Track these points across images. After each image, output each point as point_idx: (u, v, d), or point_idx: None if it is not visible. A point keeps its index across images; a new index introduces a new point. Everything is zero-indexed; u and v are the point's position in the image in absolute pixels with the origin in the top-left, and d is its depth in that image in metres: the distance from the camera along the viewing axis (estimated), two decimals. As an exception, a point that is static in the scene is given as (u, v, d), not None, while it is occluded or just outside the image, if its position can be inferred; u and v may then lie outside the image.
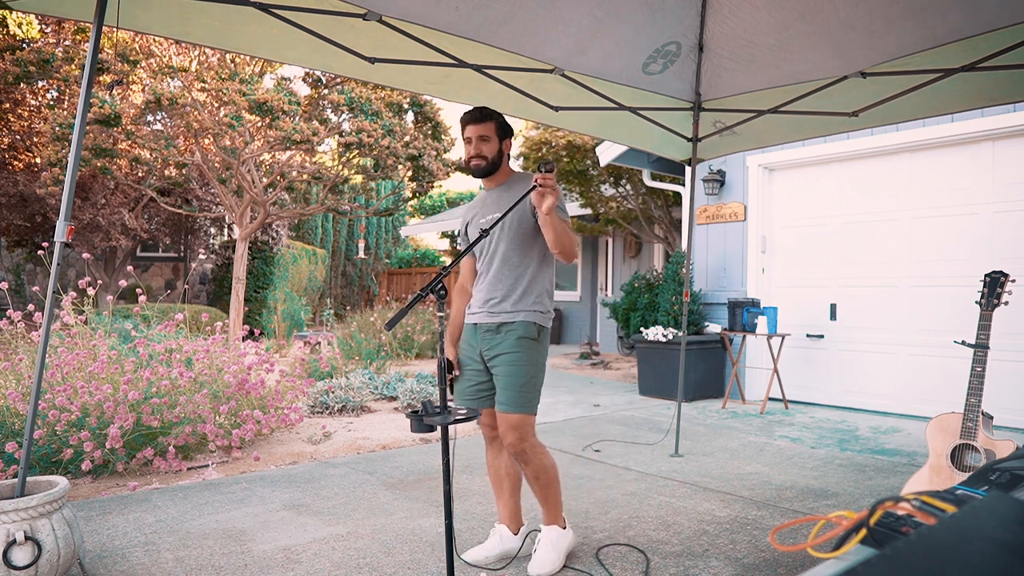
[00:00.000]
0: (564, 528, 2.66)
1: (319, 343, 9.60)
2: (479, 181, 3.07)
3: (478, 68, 3.33)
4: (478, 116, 2.57)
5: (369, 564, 2.61)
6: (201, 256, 15.08)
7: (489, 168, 2.60)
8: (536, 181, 2.26)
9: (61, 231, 2.22)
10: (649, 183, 8.71)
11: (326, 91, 10.11)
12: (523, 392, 2.49)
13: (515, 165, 13.07)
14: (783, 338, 6.16)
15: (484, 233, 2.23)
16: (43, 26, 10.69)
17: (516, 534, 2.72)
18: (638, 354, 7.19)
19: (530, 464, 2.54)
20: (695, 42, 3.59)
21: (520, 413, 2.48)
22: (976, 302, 2.85)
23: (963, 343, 2.92)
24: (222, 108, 9.04)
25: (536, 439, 2.56)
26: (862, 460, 4.32)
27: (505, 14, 2.98)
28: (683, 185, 8.48)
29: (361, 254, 18.80)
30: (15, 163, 11.56)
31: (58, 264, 2.25)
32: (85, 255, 5.21)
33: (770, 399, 6.28)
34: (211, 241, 15.22)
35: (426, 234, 21.79)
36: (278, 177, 10.69)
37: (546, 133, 9.24)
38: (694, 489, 3.66)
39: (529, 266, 2.61)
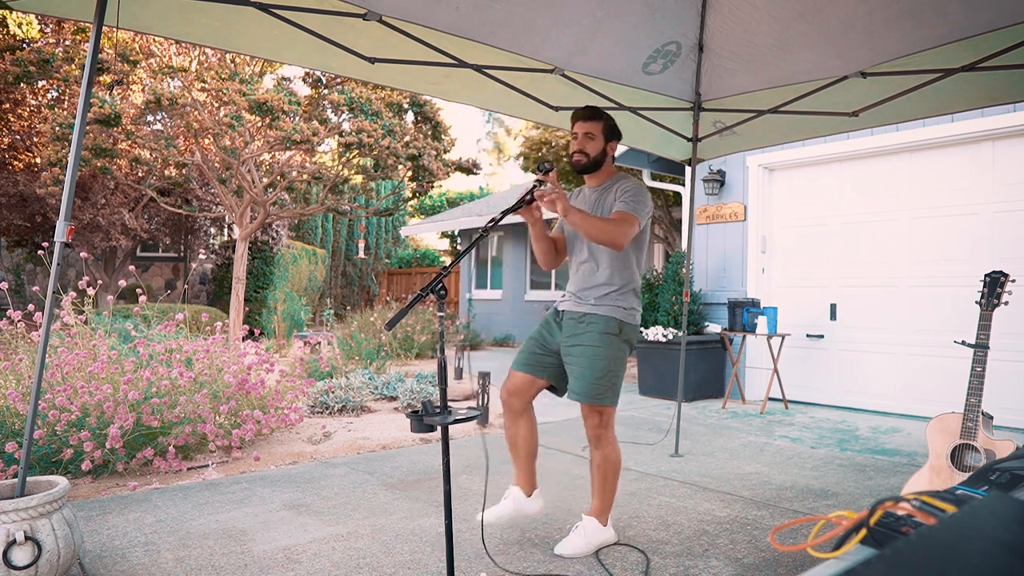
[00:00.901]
0: (605, 525, 2.74)
1: (319, 343, 9.60)
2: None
3: (478, 68, 3.33)
4: (588, 114, 2.70)
5: (369, 564, 2.61)
6: (201, 256, 15.08)
7: (589, 165, 2.71)
8: (531, 196, 2.45)
9: (61, 231, 2.22)
10: (649, 183, 8.71)
11: (326, 91, 10.11)
12: (597, 384, 2.58)
13: (515, 165, 12.99)
14: (783, 338, 6.16)
15: (484, 233, 2.25)
16: (43, 26, 10.69)
17: (529, 496, 2.80)
18: (638, 354, 7.19)
19: (600, 450, 2.68)
20: (695, 42, 3.59)
21: (595, 405, 2.60)
22: (976, 302, 2.85)
23: (963, 343, 2.92)
24: (222, 108, 9.04)
25: (614, 431, 2.70)
26: (862, 460, 4.32)
27: (505, 14, 2.98)
28: (683, 185, 8.48)
29: (361, 254, 18.80)
30: (15, 163, 11.56)
31: (58, 264, 2.25)
32: (85, 255, 5.21)
33: (770, 399, 6.28)
34: (211, 241, 15.23)
35: (426, 234, 21.80)
36: (278, 177, 10.69)
37: (546, 133, 9.24)
38: (694, 489, 3.66)
39: (612, 263, 2.68)
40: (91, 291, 4.70)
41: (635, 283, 2.73)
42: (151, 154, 10.02)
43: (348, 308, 17.53)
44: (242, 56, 9.31)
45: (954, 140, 5.57)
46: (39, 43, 10.28)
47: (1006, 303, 2.82)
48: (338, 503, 3.37)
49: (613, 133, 2.73)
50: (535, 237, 2.75)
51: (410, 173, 11.07)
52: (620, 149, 7.89)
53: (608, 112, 2.79)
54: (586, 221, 2.50)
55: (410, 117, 10.99)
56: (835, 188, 6.37)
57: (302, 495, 3.50)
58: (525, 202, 2.50)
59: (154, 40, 9.26)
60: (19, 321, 4.11)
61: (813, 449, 4.61)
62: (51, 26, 10.72)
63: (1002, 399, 4.95)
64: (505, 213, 2.42)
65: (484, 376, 5.46)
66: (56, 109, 10.11)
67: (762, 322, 6.10)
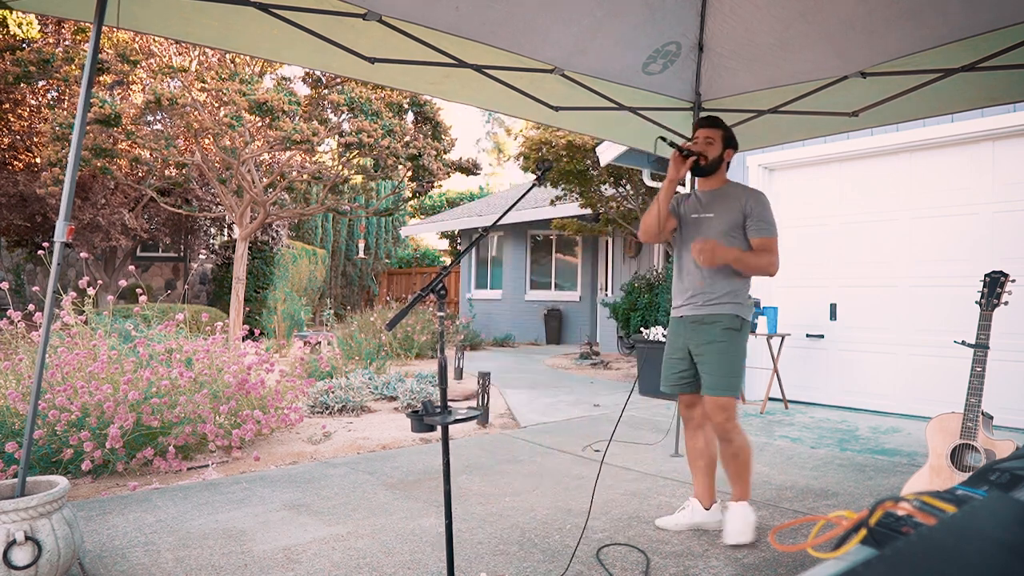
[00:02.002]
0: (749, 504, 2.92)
1: (319, 343, 9.60)
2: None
3: (478, 68, 3.33)
4: (710, 122, 2.92)
5: (369, 564, 2.61)
6: (201, 256, 15.08)
7: (706, 168, 2.88)
8: (689, 152, 2.76)
9: (61, 231, 2.22)
10: (649, 183, 8.71)
11: (326, 91, 10.11)
12: (727, 377, 2.78)
13: (515, 165, 13.04)
14: (783, 338, 6.16)
15: (484, 233, 2.26)
16: (43, 26, 10.69)
17: (708, 509, 2.96)
18: (638, 354, 7.19)
19: (732, 442, 2.82)
20: (695, 42, 3.59)
21: (726, 396, 2.78)
22: (976, 302, 2.85)
23: (963, 343, 2.92)
24: (222, 108, 9.04)
25: (738, 422, 2.85)
26: (862, 460, 4.32)
27: (505, 14, 2.98)
28: (683, 185, 8.47)
29: (361, 254, 18.81)
30: (15, 163, 11.56)
31: (58, 264, 2.25)
32: (85, 255, 5.21)
33: (770, 399, 6.28)
34: (211, 241, 15.23)
35: (426, 234, 21.80)
36: (278, 177, 10.69)
37: (546, 133, 9.22)
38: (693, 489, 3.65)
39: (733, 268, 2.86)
40: (91, 291, 4.70)
41: (748, 281, 2.92)
42: (151, 154, 10.02)
43: (348, 308, 17.54)
44: (242, 56, 9.31)
45: (954, 140, 5.57)
46: (39, 43, 10.28)
47: (1006, 303, 2.82)
48: (338, 503, 3.37)
49: (730, 142, 2.92)
50: (665, 198, 2.83)
51: (410, 173, 11.07)
52: (620, 149, 7.94)
53: (609, 111, 2.84)
54: (740, 260, 2.77)
55: (410, 117, 10.99)
56: (835, 188, 6.37)
57: (302, 495, 3.50)
58: (688, 153, 2.75)
59: (154, 40, 9.26)
60: (19, 321, 4.11)
61: (813, 449, 4.61)
62: (51, 26, 10.72)
63: (1002, 399, 4.95)
64: (675, 149, 2.71)
65: (484, 376, 5.45)
66: (56, 109, 10.10)
67: (762, 322, 6.10)
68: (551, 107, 3.80)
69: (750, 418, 5.77)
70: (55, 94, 11.38)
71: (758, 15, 3.24)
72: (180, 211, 11.55)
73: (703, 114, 3.80)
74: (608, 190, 10.14)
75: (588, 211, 10.59)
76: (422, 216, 22.71)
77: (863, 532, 0.58)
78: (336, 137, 10.23)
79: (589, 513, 3.03)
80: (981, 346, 2.76)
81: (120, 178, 10.11)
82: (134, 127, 9.14)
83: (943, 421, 2.77)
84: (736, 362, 2.81)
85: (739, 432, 2.84)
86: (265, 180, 10.44)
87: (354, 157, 10.11)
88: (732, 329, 2.80)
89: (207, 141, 10.01)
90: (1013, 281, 2.86)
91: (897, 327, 5.91)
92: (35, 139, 11.33)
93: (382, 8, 2.76)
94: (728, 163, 2.94)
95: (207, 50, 9.62)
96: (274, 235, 13.70)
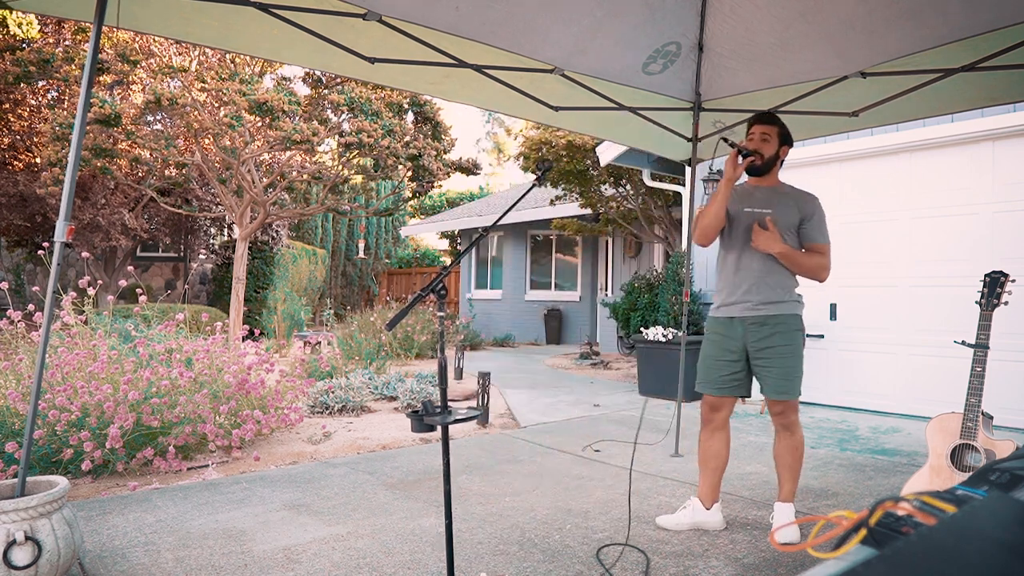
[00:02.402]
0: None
1: (319, 343, 9.60)
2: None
3: (478, 68, 3.33)
4: (767, 118, 2.86)
5: (369, 564, 2.61)
6: (201, 256, 15.08)
7: (763, 167, 2.81)
8: (748, 151, 2.71)
9: (61, 231, 2.22)
10: (649, 183, 8.71)
11: (326, 91, 10.10)
12: (797, 379, 2.79)
13: (515, 165, 13.04)
14: (783, 338, 6.15)
15: (484, 233, 2.25)
16: (43, 26, 10.69)
17: (709, 509, 2.95)
18: (638, 354, 7.19)
19: (795, 435, 2.85)
20: (695, 42, 3.59)
21: (794, 399, 2.80)
22: (976, 302, 2.85)
23: (963, 343, 2.92)
24: (222, 108, 9.04)
25: (798, 415, 2.90)
26: (862, 460, 4.32)
27: (505, 14, 2.98)
28: (683, 185, 8.48)
29: (361, 254, 18.81)
30: (15, 163, 11.56)
31: (58, 264, 2.25)
32: (85, 255, 5.21)
33: (770, 399, 6.27)
34: (211, 241, 15.23)
35: (426, 234, 21.81)
36: (278, 177, 10.69)
37: (546, 133, 9.22)
38: (694, 489, 3.65)
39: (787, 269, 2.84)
40: (91, 291, 4.70)
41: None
42: (151, 154, 10.01)
43: (348, 308, 17.54)
44: (242, 56, 9.31)
45: (954, 140, 5.57)
46: (39, 43, 10.28)
47: (1006, 303, 2.82)
48: (338, 503, 3.37)
49: (787, 139, 2.86)
50: (723, 199, 2.74)
51: (410, 173, 11.07)
52: (620, 149, 7.94)
53: (609, 111, 2.83)
54: (793, 257, 2.74)
55: (410, 117, 10.98)
56: (835, 188, 6.37)
57: (302, 495, 3.50)
58: (746, 153, 2.71)
59: (154, 40, 9.26)
60: (19, 321, 4.11)
61: (813, 449, 4.61)
62: (51, 26, 10.72)
63: (1002, 399, 4.95)
64: (740, 151, 2.66)
65: (484, 376, 5.45)
66: (56, 109, 10.10)
67: (762, 322, 6.09)
68: (551, 107, 3.80)
69: (750, 418, 5.77)
70: (55, 94, 11.38)
71: (758, 15, 3.24)
72: (180, 211, 11.55)
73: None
74: (608, 190, 10.14)
75: (588, 211, 10.59)
76: (422, 216, 22.72)
77: (863, 532, 0.58)
78: (336, 137, 10.23)
79: (629, 510, 3.03)
80: (981, 346, 2.76)
81: (120, 178, 10.11)
82: (134, 127, 9.14)
83: (943, 421, 2.77)
84: (801, 363, 2.82)
85: (800, 426, 2.89)
86: (265, 180, 10.44)
87: (354, 157, 10.11)
88: (797, 330, 2.80)
89: (207, 141, 10.01)
90: (1013, 281, 2.86)
91: (897, 327, 5.91)
92: (35, 139, 11.33)
93: (382, 8, 2.75)
94: (783, 161, 2.89)
95: (207, 50, 9.62)
96: (274, 235, 13.70)
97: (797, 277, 2.85)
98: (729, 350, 2.84)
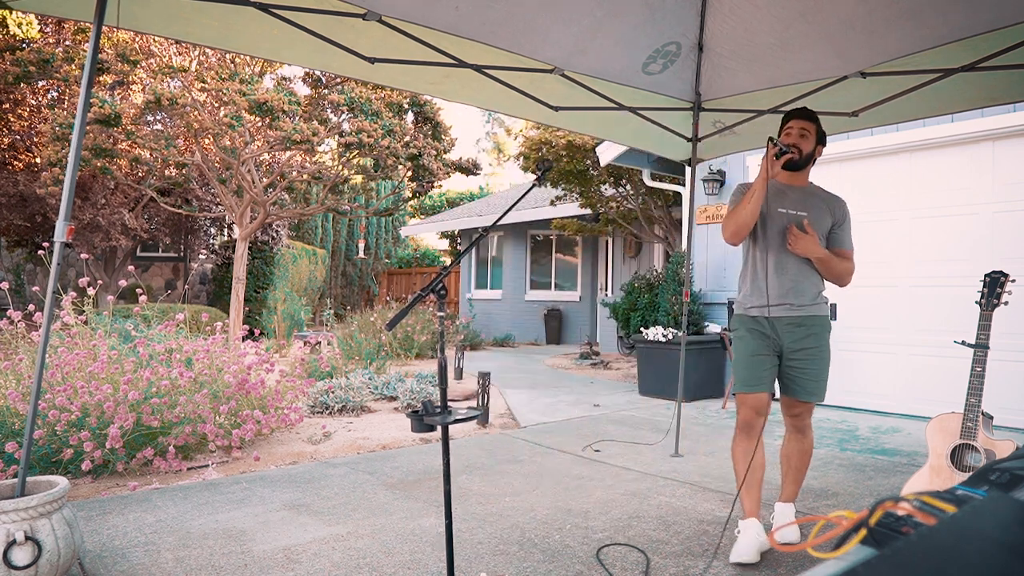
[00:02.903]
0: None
1: (319, 343, 9.60)
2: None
3: (478, 68, 3.33)
4: (805, 114, 2.77)
5: (369, 564, 2.61)
6: (201, 256, 15.08)
7: (801, 162, 2.73)
8: (787, 148, 2.62)
9: (61, 231, 2.22)
10: (649, 183, 8.71)
11: (326, 91, 10.11)
12: (824, 382, 2.77)
13: (515, 165, 13.04)
14: (783, 338, 6.15)
15: (484, 233, 2.24)
16: (43, 26, 10.69)
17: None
18: (638, 354, 7.19)
19: (807, 437, 2.86)
20: (695, 42, 3.59)
21: (820, 401, 2.80)
22: (976, 302, 2.85)
23: (963, 343, 2.92)
24: (222, 108, 9.04)
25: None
26: (862, 460, 4.32)
27: (505, 14, 2.98)
28: (683, 185, 8.48)
29: (361, 254, 18.81)
30: (15, 163, 11.56)
31: (58, 264, 2.25)
32: (85, 255, 5.21)
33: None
34: (211, 241, 15.23)
35: (426, 234, 21.81)
36: (278, 177, 10.69)
37: (546, 133, 9.23)
38: (694, 489, 3.65)
39: (817, 272, 2.81)
40: (91, 291, 4.70)
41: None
42: (151, 154, 10.02)
43: (348, 308, 17.54)
44: (242, 56, 9.31)
45: (954, 140, 5.57)
46: (39, 43, 10.28)
47: (1006, 303, 2.82)
48: (338, 503, 3.37)
49: (822, 138, 2.80)
50: (760, 198, 2.64)
51: (410, 173, 11.07)
52: (620, 149, 7.94)
53: (609, 111, 2.82)
54: (827, 261, 2.71)
55: (410, 117, 10.98)
56: (835, 188, 6.33)
57: (302, 495, 3.50)
58: (785, 149, 2.62)
59: (154, 40, 9.26)
60: (19, 321, 4.11)
61: (813, 449, 4.60)
62: (51, 26, 10.72)
63: (1002, 399, 4.95)
64: (778, 148, 2.57)
65: (484, 376, 5.45)
66: (56, 109, 10.10)
67: (762, 322, 6.09)
68: (551, 107, 3.80)
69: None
70: (55, 94, 11.38)
71: (758, 15, 3.24)
72: (180, 211, 11.55)
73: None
74: (608, 190, 10.14)
75: (588, 211, 10.59)
76: (422, 216, 22.72)
77: (863, 532, 0.58)
78: (336, 137, 10.23)
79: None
80: (981, 346, 2.76)
81: (120, 178, 10.11)
82: (134, 127, 9.14)
83: (943, 421, 2.77)
84: (829, 364, 2.80)
85: (812, 429, 2.90)
86: (265, 180, 10.44)
87: (354, 157, 10.11)
88: (829, 332, 2.79)
89: (207, 141, 10.01)
90: (1013, 281, 2.86)
91: (897, 327, 5.91)
92: (35, 139, 11.33)
93: (382, 8, 2.76)
94: (815, 160, 2.81)
95: (207, 50, 9.62)
96: (274, 235, 13.70)
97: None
98: (765, 347, 2.75)
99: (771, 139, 2.61)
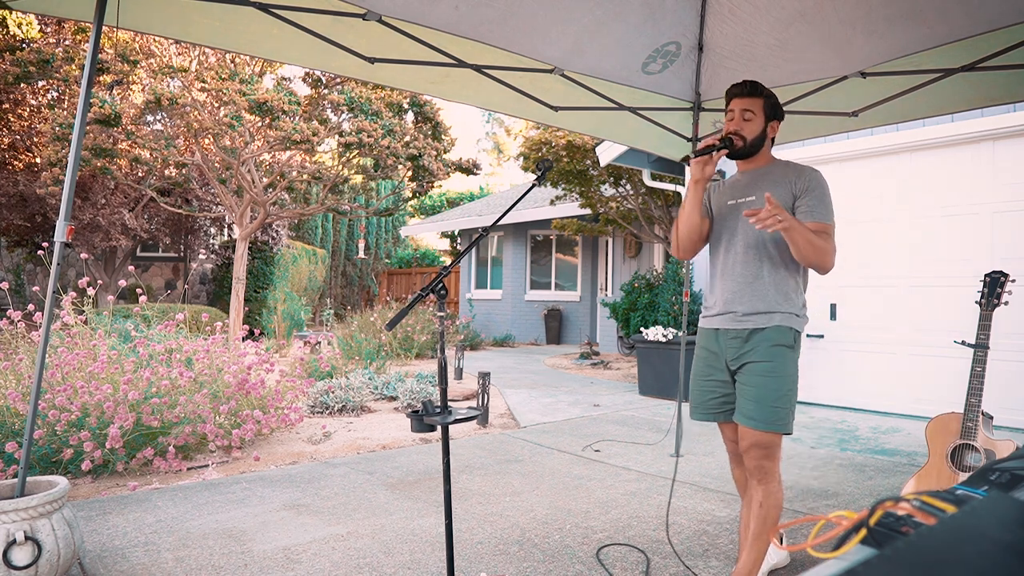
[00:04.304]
0: None
1: (319, 343, 9.60)
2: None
3: (478, 68, 3.33)
4: (747, 89, 2.31)
5: (369, 564, 2.61)
6: (201, 256, 15.08)
7: (747, 149, 2.31)
8: (723, 143, 2.20)
9: (61, 231, 2.22)
10: (649, 183, 8.71)
11: (326, 91, 10.11)
12: (772, 406, 2.18)
13: (515, 165, 13.00)
14: (783, 338, 6.15)
15: (484, 233, 2.20)
16: (43, 26, 10.69)
17: (779, 547, 2.38)
18: (638, 354, 7.19)
19: (765, 485, 2.24)
20: (695, 42, 3.59)
21: (769, 431, 2.18)
22: (976, 302, 2.85)
23: (963, 343, 2.92)
24: (222, 108, 9.04)
25: (779, 464, 2.26)
26: (862, 460, 4.32)
27: (505, 14, 2.98)
28: (683, 185, 8.47)
29: (361, 254, 18.81)
30: (15, 163, 11.56)
31: (58, 264, 2.25)
32: (85, 255, 5.21)
33: (770, 399, 6.27)
34: (211, 241, 15.23)
35: (426, 234, 21.81)
36: (278, 177, 10.69)
37: (546, 133, 9.23)
38: (694, 489, 3.65)
39: (784, 260, 2.28)
40: (91, 291, 4.70)
41: (804, 281, 2.34)
42: (151, 154, 10.02)
43: (348, 308, 17.54)
44: (242, 56, 9.31)
45: (954, 140, 5.57)
46: (39, 43, 10.28)
47: (1006, 303, 2.82)
48: (338, 503, 3.37)
49: (775, 111, 2.34)
50: (693, 204, 2.29)
51: (410, 173, 11.07)
52: (619, 149, 7.94)
53: (609, 111, 2.76)
54: (803, 238, 2.09)
55: (410, 117, 10.99)
56: (835, 188, 6.33)
57: (302, 495, 3.50)
58: (715, 148, 2.22)
59: (154, 40, 9.26)
60: (19, 321, 4.11)
61: (813, 449, 4.61)
62: (51, 26, 10.72)
63: (1002, 399, 4.95)
64: (720, 140, 2.21)
65: (484, 376, 5.45)
66: (56, 109, 10.11)
67: (762, 322, 6.09)
68: (551, 107, 3.80)
69: (750, 418, 5.77)
70: (55, 94, 11.38)
71: (758, 15, 3.24)
72: (180, 211, 11.55)
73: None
74: (608, 190, 10.14)
75: (588, 211, 10.59)
76: (422, 216, 22.72)
77: (863, 532, 0.58)
78: (336, 137, 10.23)
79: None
80: (981, 346, 2.76)
81: (120, 178, 10.11)
82: (134, 127, 9.14)
83: (943, 421, 2.77)
84: (784, 387, 2.19)
85: (777, 479, 2.25)
86: (265, 180, 10.44)
87: (354, 157, 10.12)
88: (782, 345, 2.21)
89: (207, 141, 10.01)
90: (1013, 281, 2.86)
91: (897, 327, 5.91)
92: (35, 139, 11.33)
93: (382, 8, 2.75)
94: (773, 138, 2.37)
95: (207, 50, 9.63)
96: (274, 235, 13.70)
97: (803, 277, 2.32)
98: (715, 367, 2.36)
99: (697, 140, 2.25)
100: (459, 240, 18.36)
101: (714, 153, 2.23)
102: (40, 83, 10.82)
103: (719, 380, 2.35)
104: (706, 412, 2.38)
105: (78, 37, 10.54)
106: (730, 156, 2.32)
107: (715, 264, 2.42)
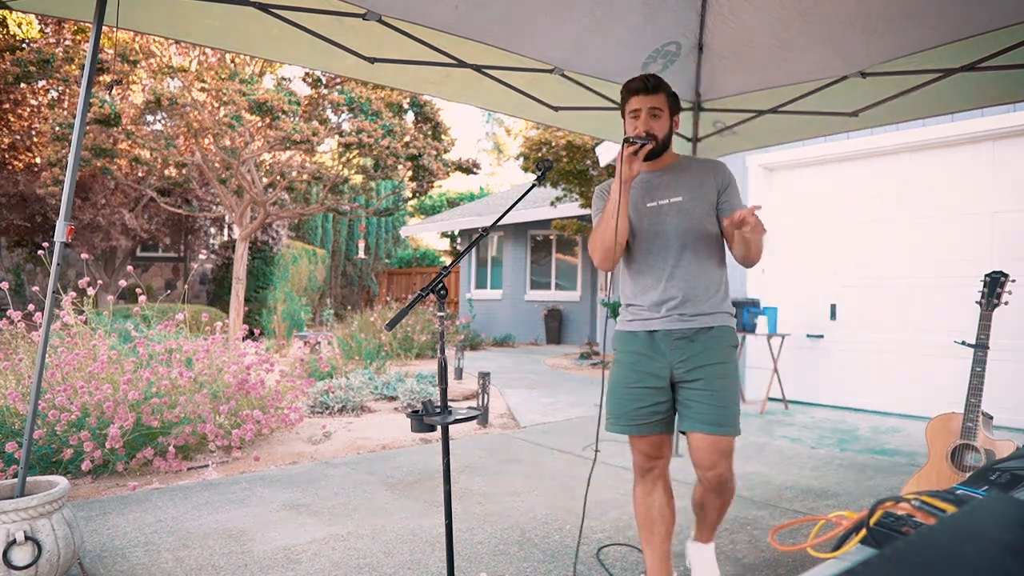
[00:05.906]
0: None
1: (319, 343, 9.59)
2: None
3: (478, 68, 3.33)
4: (651, 85, 2.12)
5: (369, 564, 2.61)
6: (201, 256, 15.08)
7: (660, 149, 2.15)
8: (743, 219, 1.91)
9: (61, 231, 2.22)
10: (649, 183, 8.70)
11: (326, 91, 10.11)
12: (733, 408, 2.13)
13: (515, 165, 13.01)
14: (783, 338, 6.16)
15: (484, 233, 2.20)
16: (43, 26, 10.69)
17: None
18: (638, 354, 7.18)
19: (724, 496, 2.21)
20: (695, 42, 3.59)
21: (731, 434, 2.12)
22: (976, 302, 2.85)
23: (963, 343, 2.92)
24: (222, 108, 9.04)
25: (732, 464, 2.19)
26: (862, 460, 4.31)
27: (505, 14, 2.98)
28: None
29: (361, 254, 18.81)
30: (15, 163, 11.56)
31: (58, 264, 2.25)
32: (85, 255, 5.21)
33: (770, 399, 6.28)
34: (211, 241, 15.23)
35: (426, 234, 21.81)
36: (278, 177, 10.69)
37: (546, 133, 9.23)
38: (693, 488, 3.65)
39: (717, 259, 2.22)
40: (91, 291, 4.70)
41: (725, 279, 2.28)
42: (151, 154, 10.02)
43: (348, 308, 17.54)
44: (242, 56, 9.31)
45: (954, 140, 5.57)
46: (39, 43, 10.28)
47: (1006, 303, 2.82)
48: (338, 503, 3.37)
49: (677, 104, 2.22)
50: (625, 207, 2.10)
51: (410, 173, 11.08)
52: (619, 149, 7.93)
53: (609, 111, 2.75)
54: (758, 241, 2.04)
55: (410, 117, 10.99)
56: (835, 188, 6.37)
57: (302, 495, 3.50)
58: (644, 141, 2.04)
59: (154, 40, 9.26)
60: (19, 321, 4.11)
61: (813, 449, 4.61)
62: (51, 26, 10.72)
63: (1002, 399, 4.95)
64: (636, 145, 2.02)
65: (484, 376, 5.45)
66: (56, 109, 10.11)
67: (762, 322, 6.10)
68: (551, 107, 3.80)
69: (750, 418, 5.77)
70: (55, 94, 11.38)
71: (758, 15, 3.23)
72: (180, 211, 11.55)
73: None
74: (608, 190, 10.12)
75: (588, 211, 10.59)
76: (422, 216, 22.72)
77: (863, 532, 0.58)
78: (336, 137, 10.24)
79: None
80: (981, 346, 2.76)
81: (120, 178, 10.11)
82: (134, 127, 9.14)
83: (943, 421, 2.77)
84: (737, 388, 2.19)
85: (734, 481, 2.24)
86: (265, 180, 10.44)
87: (354, 157, 10.12)
88: (733, 347, 2.20)
89: (207, 141, 10.01)
90: (1013, 281, 2.86)
91: (897, 327, 5.91)
92: (35, 139, 11.34)
93: (382, 8, 2.76)
94: (676, 133, 2.27)
95: (207, 50, 9.62)
96: (274, 235, 13.70)
97: (727, 278, 2.26)
98: (651, 374, 2.17)
99: (627, 139, 2.05)
100: (459, 240, 18.36)
101: (646, 146, 2.06)
102: (40, 83, 10.83)
103: (651, 387, 2.17)
104: (629, 424, 2.18)
105: (78, 37, 10.54)
106: (648, 159, 2.14)
107: (644, 267, 2.22)
